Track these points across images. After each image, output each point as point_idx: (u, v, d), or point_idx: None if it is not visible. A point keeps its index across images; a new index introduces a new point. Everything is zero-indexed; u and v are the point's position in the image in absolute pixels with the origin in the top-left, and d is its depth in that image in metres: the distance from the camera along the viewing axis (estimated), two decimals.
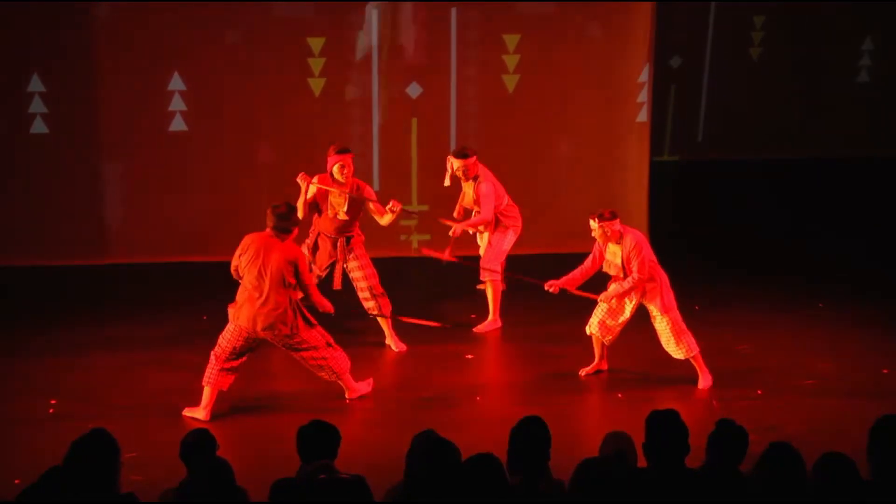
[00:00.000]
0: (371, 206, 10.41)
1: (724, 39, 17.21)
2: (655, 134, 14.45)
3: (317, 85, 12.93)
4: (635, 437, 6.40)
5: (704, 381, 9.72)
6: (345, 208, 10.27)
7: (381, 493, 6.11)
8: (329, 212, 10.36)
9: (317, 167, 12.54)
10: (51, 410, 9.25)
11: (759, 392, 9.66)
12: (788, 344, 10.70)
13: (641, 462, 6.19)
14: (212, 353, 9.21)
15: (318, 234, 10.52)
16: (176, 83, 12.75)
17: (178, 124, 12.85)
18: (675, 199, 14.94)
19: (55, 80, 12.63)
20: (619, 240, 9.59)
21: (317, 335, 9.21)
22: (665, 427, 6.06)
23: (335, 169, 10.25)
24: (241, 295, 9.14)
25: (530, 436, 6.05)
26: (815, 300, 11.80)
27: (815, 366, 10.18)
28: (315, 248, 10.56)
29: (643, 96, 13.35)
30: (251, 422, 9.13)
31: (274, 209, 9.14)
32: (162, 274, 12.68)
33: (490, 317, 11.10)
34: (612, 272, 9.71)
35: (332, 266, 10.52)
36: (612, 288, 9.65)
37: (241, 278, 9.17)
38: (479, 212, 10.91)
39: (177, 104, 12.80)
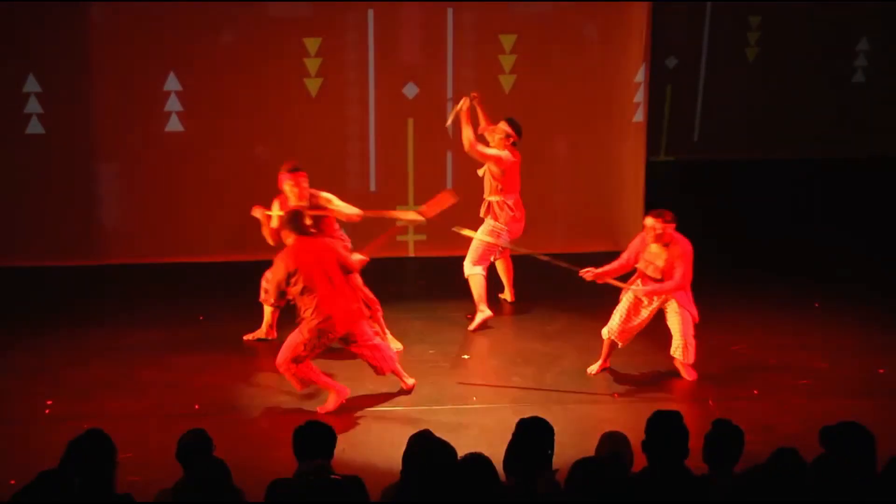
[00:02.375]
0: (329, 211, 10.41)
1: (720, 40, 17.20)
2: (651, 134, 14.46)
3: (313, 85, 12.93)
4: (632, 437, 6.40)
5: (687, 375, 9.83)
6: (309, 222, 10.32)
7: (377, 494, 6.11)
8: None
9: (312, 166, 12.57)
10: (47, 411, 9.25)
11: (755, 392, 9.66)
12: (785, 344, 10.70)
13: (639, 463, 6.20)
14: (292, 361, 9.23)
15: None
16: (172, 83, 12.74)
17: (174, 125, 12.83)
18: (672, 199, 14.92)
19: (51, 81, 12.62)
20: (666, 243, 9.61)
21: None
22: (665, 428, 6.07)
23: (286, 187, 10.29)
24: (325, 307, 9.13)
25: (534, 436, 6.05)
26: (811, 300, 11.80)
27: (812, 365, 10.19)
28: None
29: (639, 96, 13.35)
30: (248, 422, 9.12)
31: (284, 220, 9.39)
32: (158, 274, 12.67)
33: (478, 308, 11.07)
34: (648, 271, 9.73)
35: None
36: (650, 286, 9.69)
37: (300, 297, 9.17)
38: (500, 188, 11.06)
39: (173, 105, 12.79)
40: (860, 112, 17.48)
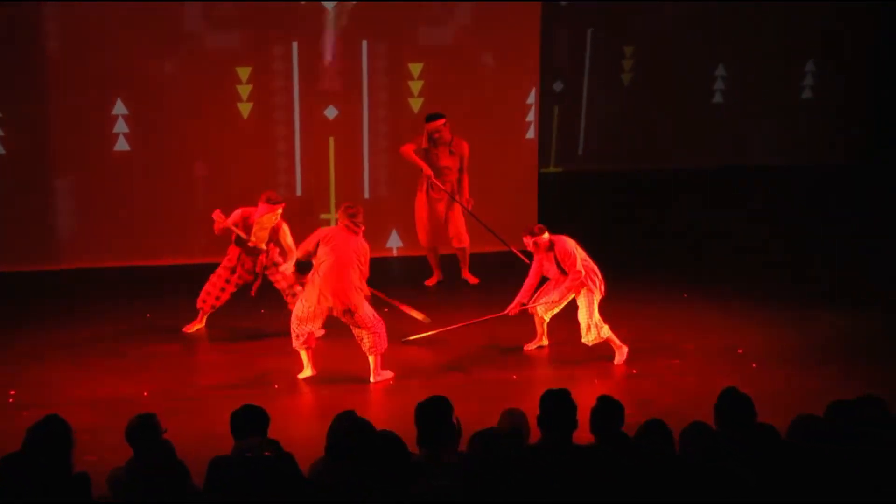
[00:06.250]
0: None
1: (599, 67, 17.44)
2: (542, 149, 14.55)
3: (245, 109, 12.84)
4: (529, 413, 6.42)
5: (619, 356, 9.86)
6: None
7: (306, 467, 6.07)
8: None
9: (245, 179, 12.51)
10: (10, 400, 9.05)
11: (634, 371, 9.75)
12: (658, 329, 10.80)
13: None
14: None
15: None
16: (119, 108, 12.58)
17: (121, 145, 12.68)
18: (561, 205, 15.04)
19: (11, 107, 12.42)
20: (549, 249, 9.70)
21: (370, 312, 9.42)
22: (555, 404, 6.10)
23: (268, 217, 10.29)
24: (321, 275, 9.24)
25: (433, 413, 6.03)
26: (680, 291, 11.94)
27: (682, 347, 10.30)
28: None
29: (531, 116, 13.45)
30: (191, 406, 8.99)
31: (346, 209, 9.35)
32: (109, 277, 12.50)
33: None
34: (550, 275, 9.89)
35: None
36: (555, 293, 9.83)
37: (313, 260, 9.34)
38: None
39: (120, 127, 12.63)
40: (718, 127, 17.82)
